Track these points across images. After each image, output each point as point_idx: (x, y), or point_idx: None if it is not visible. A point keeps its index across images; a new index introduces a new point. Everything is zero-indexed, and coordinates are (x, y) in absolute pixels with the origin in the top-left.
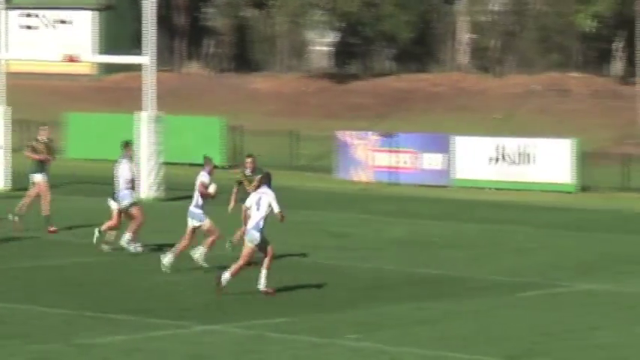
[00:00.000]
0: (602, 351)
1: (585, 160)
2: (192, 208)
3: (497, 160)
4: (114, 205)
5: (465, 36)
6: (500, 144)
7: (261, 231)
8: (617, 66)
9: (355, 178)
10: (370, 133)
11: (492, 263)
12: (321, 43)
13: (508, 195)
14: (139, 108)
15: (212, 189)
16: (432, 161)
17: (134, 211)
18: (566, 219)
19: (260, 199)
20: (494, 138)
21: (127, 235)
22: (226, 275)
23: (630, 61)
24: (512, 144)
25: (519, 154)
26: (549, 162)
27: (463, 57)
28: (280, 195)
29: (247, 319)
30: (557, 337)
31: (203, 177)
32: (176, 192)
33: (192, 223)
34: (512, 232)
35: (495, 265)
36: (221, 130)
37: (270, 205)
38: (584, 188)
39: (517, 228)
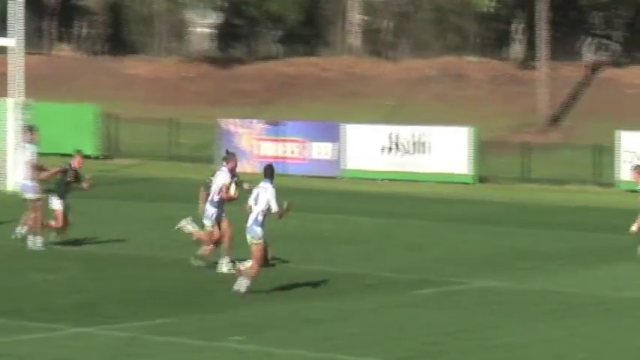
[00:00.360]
0: (503, 351)
1: (483, 149)
2: (206, 206)
3: (390, 149)
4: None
5: (356, 17)
6: (394, 132)
7: (262, 226)
8: (517, 49)
9: (239, 169)
10: (255, 120)
11: (386, 259)
12: (203, 25)
13: (402, 186)
14: (5, 94)
15: (232, 190)
16: (322, 151)
17: (33, 205)
18: (463, 212)
19: (258, 194)
20: (387, 126)
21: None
22: (243, 282)
23: (530, 44)
24: (406, 132)
25: (414, 144)
26: (445, 151)
27: (354, 40)
28: (158, 187)
29: (124, 321)
30: (456, 337)
31: (224, 176)
32: (46, 183)
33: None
34: (406, 226)
35: (389, 262)
36: (94, 118)
37: (268, 202)
38: (482, 179)
39: (412, 222)
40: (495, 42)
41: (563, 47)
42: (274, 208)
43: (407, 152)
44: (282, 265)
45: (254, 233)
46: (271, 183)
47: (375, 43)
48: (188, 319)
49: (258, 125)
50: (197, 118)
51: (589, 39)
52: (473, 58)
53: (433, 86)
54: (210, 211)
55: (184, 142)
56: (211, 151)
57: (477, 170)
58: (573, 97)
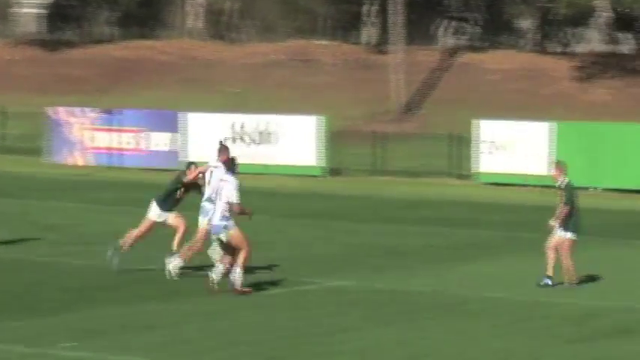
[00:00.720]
0: (354, 355)
1: (334, 139)
2: (204, 203)
3: (234, 139)
4: None
5: None
6: (238, 121)
7: (229, 220)
8: (370, 32)
9: (70, 162)
10: (88, 109)
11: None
12: (30, 5)
13: (246, 179)
14: None
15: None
16: (160, 141)
17: None
18: (311, 206)
19: (221, 187)
20: (231, 115)
21: None
22: (238, 276)
23: (384, 27)
24: (251, 122)
25: (259, 133)
26: (293, 142)
27: (196, 22)
28: None
29: None
30: (302, 342)
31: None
32: None
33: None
34: (245, 222)
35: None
36: None
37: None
38: (333, 171)
39: (256, 217)
40: (347, 25)
41: (419, 31)
42: (233, 199)
43: (252, 142)
44: (121, 267)
45: (220, 230)
46: (233, 174)
47: (218, 26)
48: (14, 325)
49: (90, 114)
50: (24, 106)
51: (446, 22)
52: (323, 42)
53: (280, 72)
54: (208, 207)
55: (10, 132)
56: (40, 142)
57: (327, 162)
58: (429, 84)
